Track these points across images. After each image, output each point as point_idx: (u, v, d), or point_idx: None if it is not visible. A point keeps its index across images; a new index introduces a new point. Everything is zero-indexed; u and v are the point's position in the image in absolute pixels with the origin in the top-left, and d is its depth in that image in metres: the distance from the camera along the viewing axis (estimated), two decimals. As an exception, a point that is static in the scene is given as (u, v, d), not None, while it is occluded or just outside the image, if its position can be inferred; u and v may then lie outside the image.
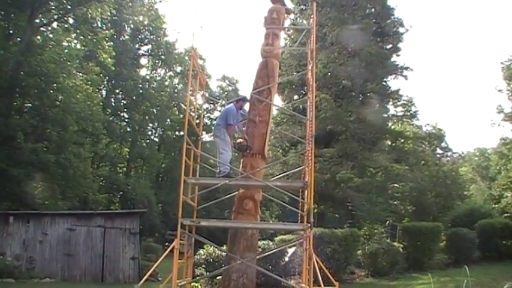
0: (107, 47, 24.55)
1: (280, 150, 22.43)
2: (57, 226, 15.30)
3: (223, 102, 32.61)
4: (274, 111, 24.57)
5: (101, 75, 26.37)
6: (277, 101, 24.28)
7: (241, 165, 7.45)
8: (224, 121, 7.40)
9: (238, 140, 7.63)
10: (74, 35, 24.16)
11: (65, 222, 15.38)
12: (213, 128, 7.74)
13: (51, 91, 20.53)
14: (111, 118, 29.39)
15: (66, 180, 19.98)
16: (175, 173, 28.69)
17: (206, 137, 36.77)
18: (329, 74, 21.03)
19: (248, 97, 7.83)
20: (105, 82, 29.79)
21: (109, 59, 24.81)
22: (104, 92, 30.48)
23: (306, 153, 7.35)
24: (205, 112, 33.01)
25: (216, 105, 33.49)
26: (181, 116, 32.16)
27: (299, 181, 7.18)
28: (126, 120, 32.06)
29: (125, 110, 31.66)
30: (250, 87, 7.92)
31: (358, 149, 20.10)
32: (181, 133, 33.17)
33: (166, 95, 32.84)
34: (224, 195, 8.82)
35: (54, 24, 23.01)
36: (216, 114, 35.84)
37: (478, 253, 16.14)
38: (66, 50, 21.74)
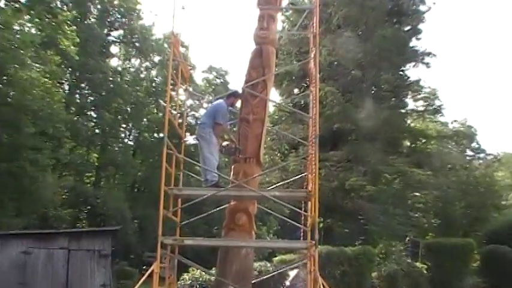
0: (69, 32, 24.34)
1: (279, 154, 22.59)
2: (9, 249, 15.10)
3: (210, 98, 32.66)
4: (271, 108, 24.88)
5: (63, 66, 26.16)
6: (274, 95, 24.48)
7: (232, 173, 7.49)
8: (211, 119, 7.44)
9: (224, 143, 7.70)
10: (27, 17, 23.94)
11: (19, 244, 15.20)
12: (197, 128, 7.77)
13: (1, 85, 20.38)
14: (75, 118, 29.25)
15: (20, 192, 19.82)
16: (154, 182, 28.54)
17: (191, 140, 36.79)
18: (335, 62, 21.22)
19: (240, 91, 7.89)
20: (68, 74, 29.63)
21: (72, 47, 24.56)
22: (66, 87, 30.37)
23: (308, 157, 7.41)
24: (189, 110, 33.07)
25: (201, 101, 33.57)
26: (161, 114, 32.04)
27: (301, 190, 7.23)
28: (94, 120, 31.95)
29: (93, 108, 31.54)
30: (242, 80, 8.00)
31: (371, 152, 20.26)
32: (161, 135, 33.11)
33: (142, 90, 32.84)
34: (212, 209, 8.85)
35: (2, 3, 22.76)
36: (202, 112, 35.90)
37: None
38: (18, 36, 21.50)
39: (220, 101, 7.82)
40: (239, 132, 7.65)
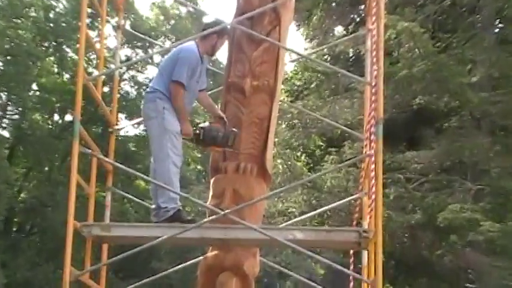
0: None
1: (304, 157, 22.61)
2: None
3: (167, 42, 32.61)
4: (288, 66, 24.51)
5: None
6: (295, 40, 24.21)
7: (210, 193, 7.58)
8: (166, 77, 7.47)
9: (204, 124, 7.66)
10: None
11: None
12: (142, 102, 7.84)
13: None
14: None
15: None
16: (52, 213, 28.59)
17: (130, 127, 36.65)
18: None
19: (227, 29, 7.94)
20: None
21: None
22: None
23: (363, 162, 7.50)
24: (124, 68, 32.84)
25: (150, 50, 33.51)
26: (68, 76, 32.12)
27: (348, 229, 7.32)
28: None
29: None
30: (232, 11, 8.10)
31: (492, 152, 20.26)
32: (69, 118, 33.17)
33: (27, 28, 32.81)
34: (171, 265, 8.96)
35: None
36: (152, 72, 35.84)
37: None
38: None
39: (190, 44, 7.76)
40: (226, 114, 7.75)
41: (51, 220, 28.30)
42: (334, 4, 22.72)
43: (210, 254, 7.45)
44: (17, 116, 34.66)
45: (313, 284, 8.96)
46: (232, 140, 7.43)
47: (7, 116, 34.77)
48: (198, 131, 7.56)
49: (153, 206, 7.40)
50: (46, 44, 33.87)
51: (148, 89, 7.77)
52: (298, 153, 22.75)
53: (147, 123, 7.58)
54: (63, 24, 32.71)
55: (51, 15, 34.07)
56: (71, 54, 32.70)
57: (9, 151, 33.61)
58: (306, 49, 23.26)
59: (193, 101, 7.91)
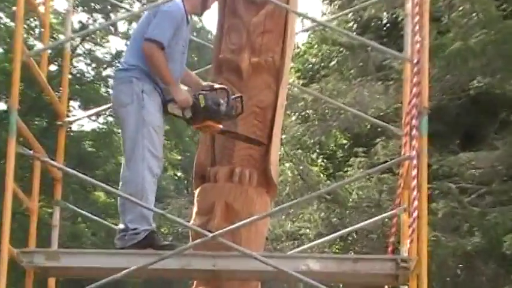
0: None
1: (321, 161, 22.66)
2: None
3: (137, 6, 32.78)
4: (300, 37, 24.52)
5: None
6: (310, 4, 24.26)
7: (195, 208, 7.57)
8: (139, 37, 7.39)
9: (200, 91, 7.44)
10: None
11: None
12: (111, 87, 7.79)
13: None
14: None
15: None
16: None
17: (85, 119, 36.76)
18: None
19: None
20: None
21: None
22: None
23: (401, 167, 7.49)
24: (77, 40, 32.92)
25: (113, 15, 33.62)
26: (1, 50, 32.25)
27: (382, 257, 7.31)
28: None
29: None
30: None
31: None
32: (2, 107, 33.31)
33: None
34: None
35: None
36: (115, 45, 35.87)
37: None
38: None
39: (175, 2, 7.51)
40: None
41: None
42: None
43: (196, 290, 7.44)
44: None
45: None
46: (238, 108, 7.36)
47: None
48: (197, 98, 7.28)
49: (120, 226, 7.32)
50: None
51: (120, 66, 7.71)
52: (314, 155, 22.79)
53: (119, 112, 7.43)
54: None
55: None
56: (5, 20, 32.71)
57: None
58: (324, 14, 23.33)
59: (180, 74, 7.62)
